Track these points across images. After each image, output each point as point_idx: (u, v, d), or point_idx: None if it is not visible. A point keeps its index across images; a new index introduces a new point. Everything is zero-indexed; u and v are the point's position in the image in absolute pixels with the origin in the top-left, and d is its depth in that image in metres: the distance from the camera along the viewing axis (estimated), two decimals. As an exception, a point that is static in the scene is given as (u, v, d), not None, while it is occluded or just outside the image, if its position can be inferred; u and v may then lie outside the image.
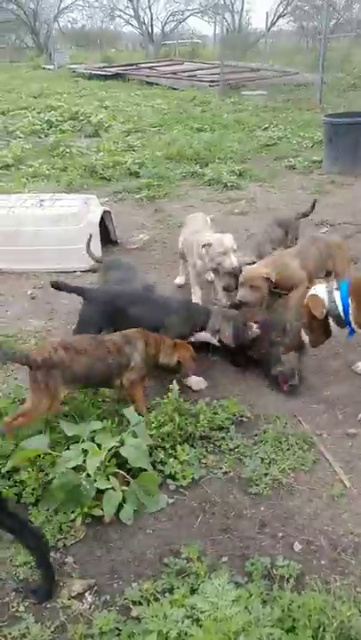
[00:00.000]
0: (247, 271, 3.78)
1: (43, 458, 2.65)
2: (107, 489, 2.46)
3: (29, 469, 2.59)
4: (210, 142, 9.48)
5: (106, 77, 20.78)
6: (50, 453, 2.65)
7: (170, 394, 2.95)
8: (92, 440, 2.68)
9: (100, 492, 2.47)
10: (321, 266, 3.96)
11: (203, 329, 3.45)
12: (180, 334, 3.29)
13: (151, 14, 36.96)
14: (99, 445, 2.62)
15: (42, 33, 35.82)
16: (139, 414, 2.84)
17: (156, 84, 18.46)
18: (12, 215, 5.02)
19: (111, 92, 17.04)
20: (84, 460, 2.53)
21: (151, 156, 8.90)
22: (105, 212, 5.44)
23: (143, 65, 22.20)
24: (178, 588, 2.06)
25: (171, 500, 2.58)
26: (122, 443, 2.65)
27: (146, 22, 36.43)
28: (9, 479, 2.61)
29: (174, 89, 17.10)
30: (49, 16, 33.29)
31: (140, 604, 2.06)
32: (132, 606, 2.07)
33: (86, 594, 2.14)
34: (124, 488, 2.51)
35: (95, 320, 3.40)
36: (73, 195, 5.63)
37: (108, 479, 2.51)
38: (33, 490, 2.54)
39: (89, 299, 3.46)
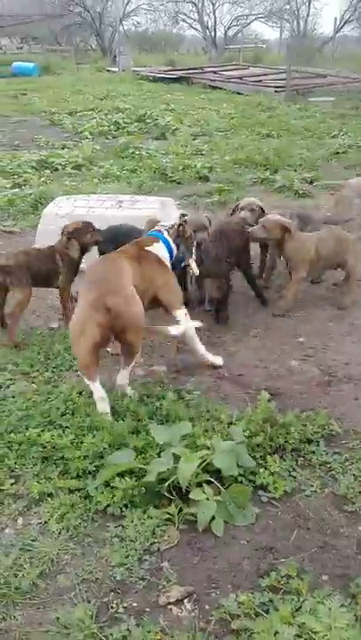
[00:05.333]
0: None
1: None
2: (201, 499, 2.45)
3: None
4: (278, 148, 9.41)
5: (170, 80, 20.92)
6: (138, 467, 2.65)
7: (260, 402, 2.93)
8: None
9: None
10: None
11: None
12: None
13: (215, 18, 37.13)
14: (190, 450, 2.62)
15: (106, 36, 36.40)
16: None
17: (220, 89, 18.48)
18: (92, 215, 5.07)
19: (175, 95, 17.12)
20: (175, 467, 2.53)
21: (220, 160, 8.90)
22: (181, 214, 5.44)
23: (208, 69, 22.25)
24: (280, 603, 2.03)
25: (257, 510, 2.55)
26: (213, 449, 2.64)
27: (209, 26, 36.60)
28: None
29: (239, 94, 17.08)
30: (114, 19, 33.77)
31: (239, 616, 2.04)
32: (230, 619, 2.05)
33: (185, 601, 2.13)
34: (217, 498, 2.49)
35: None
36: (151, 197, 5.66)
37: (201, 486, 2.51)
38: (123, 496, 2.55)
39: None
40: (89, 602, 2.13)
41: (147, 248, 3.45)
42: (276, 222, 4.27)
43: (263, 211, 4.72)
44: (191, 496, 2.45)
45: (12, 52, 34.18)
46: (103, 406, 3.03)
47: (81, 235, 4.07)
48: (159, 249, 3.50)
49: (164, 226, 3.68)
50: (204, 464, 2.57)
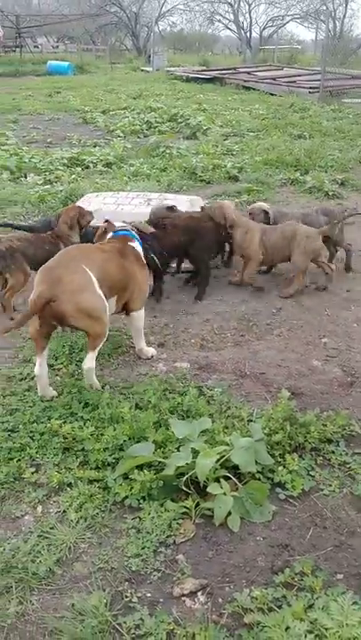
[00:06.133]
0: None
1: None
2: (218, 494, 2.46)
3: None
4: (310, 149, 9.33)
5: (203, 80, 20.95)
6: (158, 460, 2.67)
7: (281, 401, 2.93)
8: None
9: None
10: None
11: None
12: None
13: (251, 19, 37.01)
14: (209, 446, 2.64)
15: (141, 36, 36.61)
16: None
17: (253, 89, 18.44)
18: (121, 212, 5.12)
19: (208, 95, 17.15)
20: (194, 461, 2.55)
21: (250, 160, 8.87)
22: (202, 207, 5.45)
23: (241, 69, 22.22)
24: (294, 599, 2.03)
25: (274, 508, 2.55)
26: (232, 445, 2.65)
27: (245, 27, 36.48)
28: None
29: (272, 94, 17.04)
30: (150, 19, 33.93)
31: (252, 611, 2.05)
32: (242, 613, 2.06)
33: (199, 593, 2.15)
34: (234, 494, 2.50)
35: None
36: (180, 195, 5.69)
37: (219, 481, 2.52)
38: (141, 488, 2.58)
39: None
40: (104, 590, 2.16)
41: (130, 244, 3.59)
42: (220, 207, 4.63)
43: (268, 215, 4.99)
44: (209, 490, 2.47)
45: (49, 50, 34.65)
46: (40, 387, 3.20)
47: (82, 218, 4.36)
48: (138, 247, 3.66)
49: (124, 225, 3.82)
50: (222, 460, 2.58)
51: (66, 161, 8.64)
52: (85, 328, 3.10)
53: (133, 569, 2.25)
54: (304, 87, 16.92)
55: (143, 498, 2.55)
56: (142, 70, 27.04)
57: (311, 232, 4.60)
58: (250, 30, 37.66)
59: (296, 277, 4.66)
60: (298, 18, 36.86)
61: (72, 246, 3.46)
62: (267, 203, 5.49)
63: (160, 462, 2.66)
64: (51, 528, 2.43)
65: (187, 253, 4.63)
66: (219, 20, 40.25)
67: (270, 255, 4.69)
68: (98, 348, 3.20)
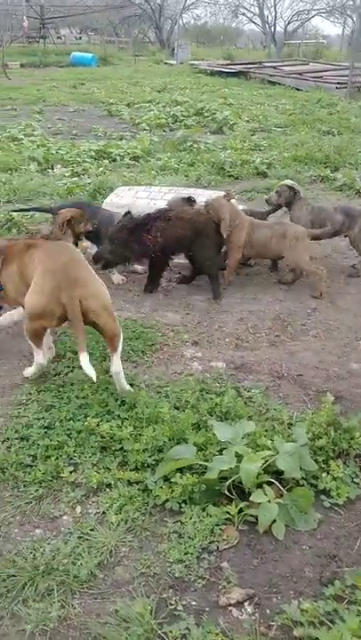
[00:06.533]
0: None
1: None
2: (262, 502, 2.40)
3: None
4: (339, 146, 9.19)
5: (227, 75, 20.78)
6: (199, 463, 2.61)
7: (324, 405, 2.85)
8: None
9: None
10: None
11: None
12: None
13: (276, 13, 36.66)
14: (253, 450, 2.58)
15: (165, 28, 36.44)
16: None
17: (279, 84, 18.24)
18: (153, 207, 5.05)
19: (233, 89, 17.01)
20: (237, 466, 2.49)
21: (279, 156, 8.76)
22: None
23: (267, 64, 22.00)
24: (346, 613, 1.96)
25: (319, 516, 2.48)
26: (276, 450, 2.59)
27: (269, 21, 36.12)
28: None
29: (298, 89, 16.85)
30: (174, 12, 33.71)
31: (302, 624, 1.98)
32: (292, 625, 1.99)
33: (245, 603, 2.09)
34: (279, 501, 2.43)
35: None
36: (210, 191, 5.61)
37: (262, 487, 2.46)
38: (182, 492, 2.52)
39: None
40: (148, 597, 2.10)
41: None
42: (215, 203, 4.49)
43: (295, 192, 4.91)
44: (253, 498, 2.40)
45: (72, 42, 34.61)
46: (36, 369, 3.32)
47: (76, 224, 4.16)
48: None
49: None
50: (266, 464, 2.51)
51: (93, 153, 8.57)
52: (103, 324, 3.04)
53: (177, 575, 2.19)
54: (331, 82, 16.70)
55: (184, 501, 2.49)
56: (166, 63, 26.89)
57: (300, 232, 4.52)
58: (274, 24, 37.32)
59: (315, 275, 4.58)
60: (323, 12, 36.45)
61: (66, 246, 3.36)
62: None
63: (200, 465, 2.60)
64: (91, 530, 2.38)
65: (190, 250, 4.51)
66: (243, 14, 39.94)
67: (256, 251, 4.67)
68: (120, 349, 3.14)
